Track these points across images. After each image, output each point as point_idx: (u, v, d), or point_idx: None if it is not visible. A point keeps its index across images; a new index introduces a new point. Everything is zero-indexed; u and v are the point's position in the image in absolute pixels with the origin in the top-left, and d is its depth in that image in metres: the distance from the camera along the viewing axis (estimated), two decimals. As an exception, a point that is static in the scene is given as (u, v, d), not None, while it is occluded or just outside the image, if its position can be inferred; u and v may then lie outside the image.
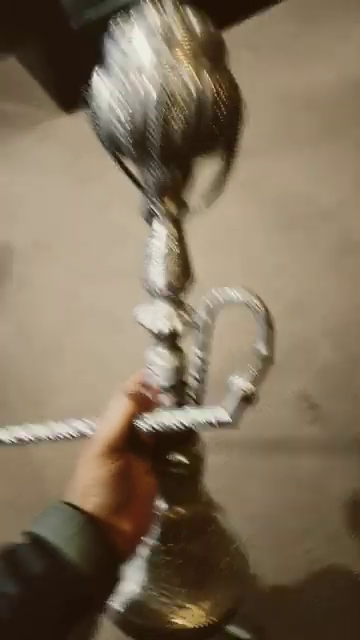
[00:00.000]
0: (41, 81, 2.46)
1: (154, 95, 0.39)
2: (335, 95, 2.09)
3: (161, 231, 0.48)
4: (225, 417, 0.42)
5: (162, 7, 0.41)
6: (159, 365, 0.50)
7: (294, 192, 1.79)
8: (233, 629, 0.86)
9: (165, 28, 0.40)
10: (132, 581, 0.57)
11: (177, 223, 0.48)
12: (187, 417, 0.44)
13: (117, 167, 0.50)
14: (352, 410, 1.34)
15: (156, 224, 0.48)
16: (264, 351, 0.42)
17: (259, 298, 0.42)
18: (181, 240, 0.48)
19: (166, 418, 0.44)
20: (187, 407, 0.49)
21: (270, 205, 1.79)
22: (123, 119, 0.41)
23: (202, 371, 0.51)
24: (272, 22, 2.41)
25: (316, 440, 1.31)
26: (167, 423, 0.44)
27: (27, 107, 2.46)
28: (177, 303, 0.49)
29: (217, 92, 0.40)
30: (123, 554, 0.43)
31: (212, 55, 0.41)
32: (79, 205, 2.02)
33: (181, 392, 0.52)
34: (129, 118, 0.41)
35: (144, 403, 0.46)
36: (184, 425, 0.44)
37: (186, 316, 0.49)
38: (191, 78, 0.39)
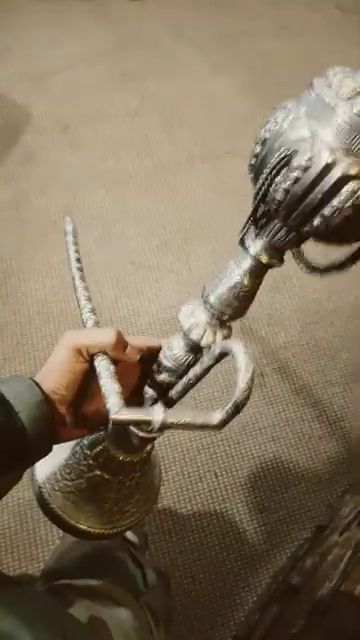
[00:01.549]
0: None
1: (285, 151, 0.39)
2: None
3: (244, 264, 0.47)
4: (112, 413, 0.42)
5: None
6: (173, 351, 0.52)
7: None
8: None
9: None
10: (56, 468, 0.62)
11: (262, 269, 0.47)
12: (106, 386, 0.46)
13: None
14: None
15: (244, 256, 0.47)
16: (216, 420, 0.41)
17: (250, 386, 0.40)
18: (256, 283, 0.48)
19: (103, 378, 0.46)
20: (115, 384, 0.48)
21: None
22: (256, 142, 0.42)
23: (189, 385, 0.52)
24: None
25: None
26: (101, 380, 0.46)
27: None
28: (221, 324, 0.50)
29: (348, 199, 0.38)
30: (58, 437, 0.50)
31: None
32: (109, 102, 1.95)
33: (164, 383, 0.54)
34: (258, 149, 0.41)
35: (119, 352, 0.49)
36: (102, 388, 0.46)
37: (219, 338, 0.50)
38: (329, 161, 0.38)
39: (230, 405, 0.40)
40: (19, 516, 1.20)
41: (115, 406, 0.42)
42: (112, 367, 0.47)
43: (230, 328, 0.51)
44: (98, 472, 0.59)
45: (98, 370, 0.47)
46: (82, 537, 0.61)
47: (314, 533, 1.15)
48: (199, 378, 0.50)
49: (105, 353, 0.48)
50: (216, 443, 1.32)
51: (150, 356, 0.54)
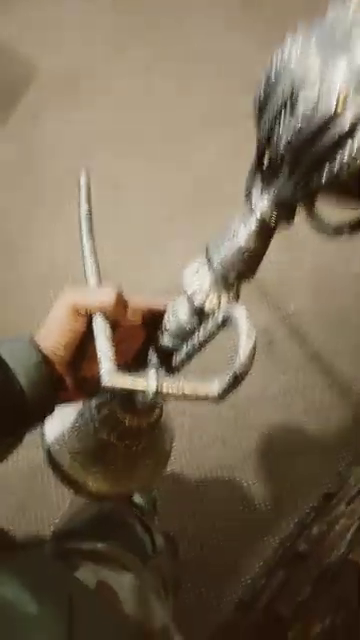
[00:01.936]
0: None
1: (288, 93, 0.33)
2: None
3: (250, 223, 0.42)
4: (104, 380, 0.40)
5: None
6: (178, 314, 0.49)
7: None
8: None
9: None
10: (65, 428, 0.61)
11: (270, 230, 0.42)
12: (101, 350, 0.43)
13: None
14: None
15: (251, 214, 0.42)
16: (215, 391, 0.37)
17: (252, 355, 0.36)
18: (264, 244, 0.43)
19: (98, 341, 0.44)
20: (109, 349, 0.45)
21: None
22: (263, 76, 0.36)
23: (193, 351, 0.49)
24: None
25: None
26: (96, 343, 0.44)
27: None
28: (226, 287, 0.46)
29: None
30: (58, 399, 0.49)
31: None
32: (120, 60, 1.89)
33: (168, 349, 0.52)
34: (261, 90, 0.36)
35: (118, 314, 0.47)
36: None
37: (224, 302, 0.46)
38: (339, 106, 0.32)
39: (230, 375, 0.36)
40: (30, 479, 1.21)
41: (107, 372, 0.40)
42: (109, 330, 0.45)
43: (237, 292, 0.47)
44: (105, 435, 0.58)
45: (95, 332, 0.45)
46: (89, 498, 0.61)
47: (321, 501, 1.15)
48: (203, 344, 0.48)
49: (105, 314, 0.46)
50: (224, 410, 1.32)
51: (154, 319, 0.51)
